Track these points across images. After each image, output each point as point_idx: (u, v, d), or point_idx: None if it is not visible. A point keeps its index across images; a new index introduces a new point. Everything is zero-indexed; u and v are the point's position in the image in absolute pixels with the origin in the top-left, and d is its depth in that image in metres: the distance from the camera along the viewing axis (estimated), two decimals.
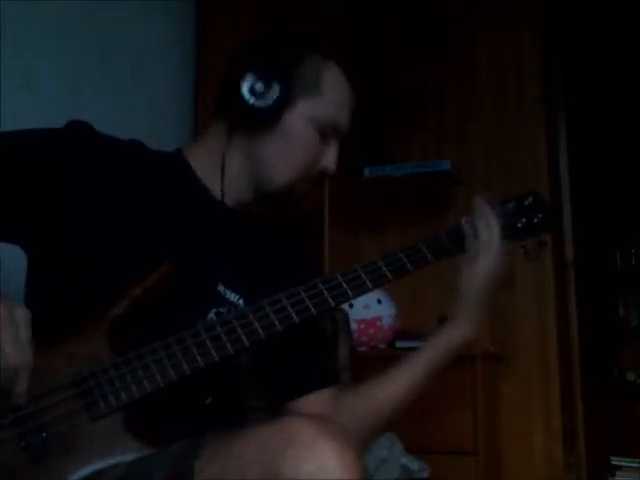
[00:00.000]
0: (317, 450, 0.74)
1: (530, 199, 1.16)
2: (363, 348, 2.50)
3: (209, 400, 1.03)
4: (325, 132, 1.11)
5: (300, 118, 1.09)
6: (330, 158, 1.12)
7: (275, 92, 1.05)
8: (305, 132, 1.09)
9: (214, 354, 0.90)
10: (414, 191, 2.88)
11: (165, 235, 1.05)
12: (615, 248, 3.65)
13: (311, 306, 0.96)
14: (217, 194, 1.11)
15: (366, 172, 2.84)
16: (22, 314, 0.83)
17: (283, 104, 1.07)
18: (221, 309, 1.04)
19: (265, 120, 1.07)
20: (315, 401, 1.11)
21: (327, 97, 1.10)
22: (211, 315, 1.03)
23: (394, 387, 1.10)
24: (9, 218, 1.02)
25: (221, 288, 1.06)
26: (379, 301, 2.52)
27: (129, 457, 0.86)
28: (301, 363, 1.14)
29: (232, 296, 1.06)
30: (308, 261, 1.24)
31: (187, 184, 1.11)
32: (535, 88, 2.90)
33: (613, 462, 3.00)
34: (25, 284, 1.07)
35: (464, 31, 3.06)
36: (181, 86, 2.30)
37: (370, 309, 2.51)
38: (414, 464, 1.99)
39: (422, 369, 1.10)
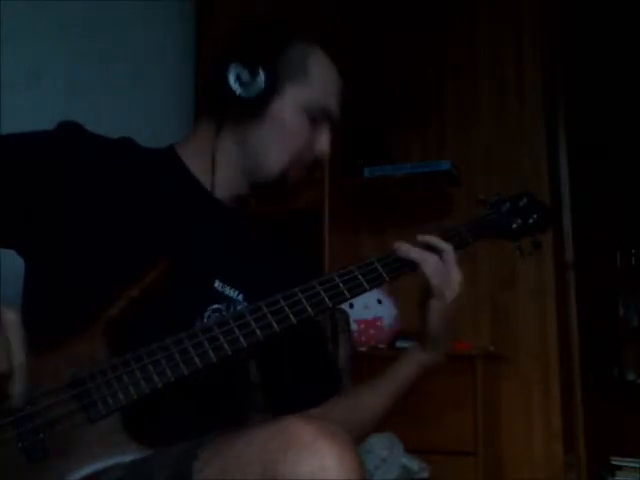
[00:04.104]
0: (317, 450, 0.73)
1: (525, 200, 1.16)
2: (363, 348, 2.50)
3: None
4: (315, 117, 1.09)
5: (289, 105, 1.07)
6: (321, 142, 1.11)
7: (261, 80, 1.04)
8: (294, 118, 1.08)
9: (212, 355, 0.90)
10: (414, 191, 2.88)
11: (161, 233, 1.05)
12: (615, 248, 3.65)
13: (308, 307, 0.95)
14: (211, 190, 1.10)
15: (366, 172, 2.84)
16: (12, 316, 0.82)
17: (270, 92, 1.06)
18: (219, 306, 1.04)
19: (253, 109, 1.06)
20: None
21: (314, 82, 1.09)
22: (209, 312, 1.03)
23: (373, 403, 1.09)
24: (7, 222, 1.01)
25: (219, 284, 1.05)
26: (379, 301, 2.52)
27: (128, 458, 0.86)
28: (303, 377, 1.13)
29: (231, 292, 1.06)
30: (306, 258, 1.24)
31: (181, 181, 1.10)
32: (535, 88, 2.90)
33: (613, 462, 3.00)
34: (23, 287, 1.06)
35: (464, 31, 3.06)
36: (181, 86, 2.29)
37: (370, 309, 2.52)
38: (414, 464, 2.00)
39: (399, 388, 1.08)
